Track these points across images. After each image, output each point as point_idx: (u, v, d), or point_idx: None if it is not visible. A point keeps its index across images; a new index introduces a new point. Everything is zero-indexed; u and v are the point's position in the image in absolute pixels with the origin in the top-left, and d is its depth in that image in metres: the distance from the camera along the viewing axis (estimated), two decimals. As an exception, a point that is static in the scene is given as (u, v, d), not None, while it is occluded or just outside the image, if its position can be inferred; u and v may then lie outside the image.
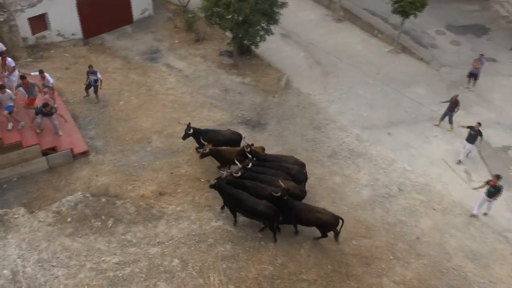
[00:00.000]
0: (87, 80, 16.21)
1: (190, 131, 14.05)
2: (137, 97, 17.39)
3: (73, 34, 20.26)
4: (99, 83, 16.23)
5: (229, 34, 20.19)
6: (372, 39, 22.19)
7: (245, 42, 19.86)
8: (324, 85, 19.23)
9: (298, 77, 19.58)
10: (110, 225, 11.82)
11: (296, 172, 13.06)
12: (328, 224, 11.98)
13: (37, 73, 14.47)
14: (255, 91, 18.51)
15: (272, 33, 19.29)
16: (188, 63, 19.80)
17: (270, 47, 20.80)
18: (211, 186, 12.13)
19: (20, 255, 10.58)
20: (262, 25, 18.86)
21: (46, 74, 14.53)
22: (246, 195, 11.78)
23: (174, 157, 14.65)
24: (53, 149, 13.86)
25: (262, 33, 19.04)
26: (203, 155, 13.60)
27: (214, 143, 13.84)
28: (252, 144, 13.67)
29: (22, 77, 13.95)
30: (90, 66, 16.04)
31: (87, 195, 12.58)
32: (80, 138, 14.63)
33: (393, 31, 21.90)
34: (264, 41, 19.40)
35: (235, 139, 14.46)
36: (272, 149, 15.62)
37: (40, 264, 10.47)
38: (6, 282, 9.97)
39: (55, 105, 14.63)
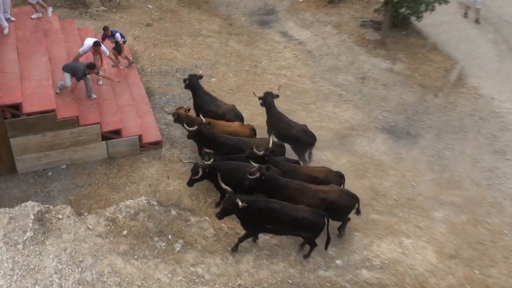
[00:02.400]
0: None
1: (186, 82, 15.31)
2: (236, 75, 18.00)
3: (165, -21, 21.40)
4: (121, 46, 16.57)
5: (379, -3, 20.02)
6: None
7: (402, 10, 19.60)
8: (520, 87, 18.28)
9: (478, 70, 18.97)
10: (178, 249, 12.19)
11: None
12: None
13: (90, 44, 15.14)
14: (408, 84, 18.22)
15: (446, 1, 18.80)
16: (313, 34, 20.02)
17: (440, 20, 20.37)
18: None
19: (58, 269, 11.29)
20: (432, -13, 18.52)
21: (102, 47, 15.34)
22: (279, 202, 12.15)
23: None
24: (116, 133, 14.81)
25: (430, -2, 18.69)
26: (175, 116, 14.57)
27: (204, 113, 14.49)
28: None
29: None
30: (105, 28, 16.47)
31: (153, 202, 13.14)
32: (153, 123, 15.48)
33: None
34: (432, 11, 19.01)
35: (230, 118, 14.74)
36: (423, 176, 15.29)
37: (80, 287, 11.14)
38: (36, 303, 10.81)
39: (117, 80, 15.77)
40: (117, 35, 16.36)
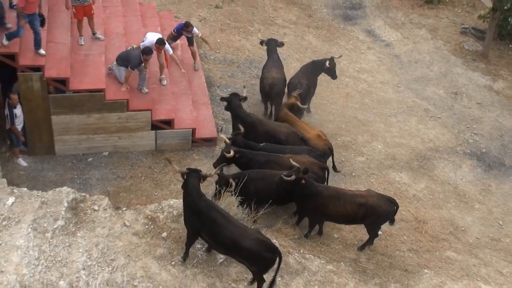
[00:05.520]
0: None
1: (263, 44, 16.90)
2: (309, 74, 18.07)
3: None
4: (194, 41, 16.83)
5: (487, 1, 19.72)
6: None
7: (512, 19, 19.33)
8: None
9: None
10: (221, 261, 12.31)
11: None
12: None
13: (152, 41, 15.19)
14: (509, 106, 18.08)
15: None
16: (403, 36, 20.07)
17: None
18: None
19: (86, 265, 11.55)
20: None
21: (167, 46, 15.46)
22: (224, 216, 11.49)
23: (350, 182, 15.10)
24: (168, 123, 15.24)
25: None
26: None
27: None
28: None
29: None
30: (187, 25, 16.34)
31: (199, 205, 13.39)
32: (209, 117, 15.93)
33: None
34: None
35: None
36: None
37: (108, 288, 11.55)
38: (58, 298, 11.16)
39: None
40: (195, 30, 16.49)
